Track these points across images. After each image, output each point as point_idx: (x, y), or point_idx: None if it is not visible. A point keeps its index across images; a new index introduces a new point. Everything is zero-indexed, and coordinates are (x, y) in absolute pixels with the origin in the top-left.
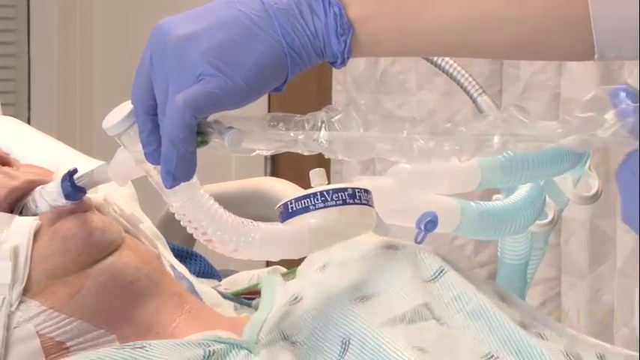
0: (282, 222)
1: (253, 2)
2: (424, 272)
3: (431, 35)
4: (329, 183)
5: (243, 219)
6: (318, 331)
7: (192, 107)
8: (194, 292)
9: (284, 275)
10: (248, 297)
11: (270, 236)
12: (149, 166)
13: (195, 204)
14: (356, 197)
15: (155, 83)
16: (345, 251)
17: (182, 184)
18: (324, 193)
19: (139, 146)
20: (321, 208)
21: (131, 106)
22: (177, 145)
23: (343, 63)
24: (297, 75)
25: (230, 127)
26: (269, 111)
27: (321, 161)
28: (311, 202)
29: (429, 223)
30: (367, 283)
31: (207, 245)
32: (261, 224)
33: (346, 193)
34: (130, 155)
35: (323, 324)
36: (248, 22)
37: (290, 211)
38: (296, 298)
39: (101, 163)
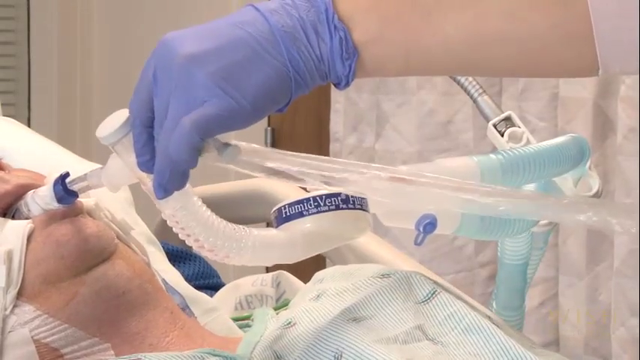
0: (277, 227)
1: (260, 24)
2: (417, 294)
3: (435, 56)
4: None
5: (235, 225)
6: (310, 348)
7: (200, 129)
8: (186, 307)
9: (276, 309)
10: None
11: (263, 242)
12: (142, 174)
13: (188, 211)
14: (349, 202)
15: (156, 98)
16: (338, 282)
17: (177, 192)
18: (317, 198)
19: (134, 155)
20: (315, 213)
21: (125, 116)
22: (181, 164)
23: (347, 85)
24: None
25: (227, 144)
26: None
27: None
28: (304, 207)
29: (428, 225)
30: (360, 307)
31: (200, 252)
32: (254, 230)
33: (339, 198)
34: (124, 163)
35: (315, 342)
36: (255, 44)
37: (284, 216)
38: (289, 322)
39: (95, 166)
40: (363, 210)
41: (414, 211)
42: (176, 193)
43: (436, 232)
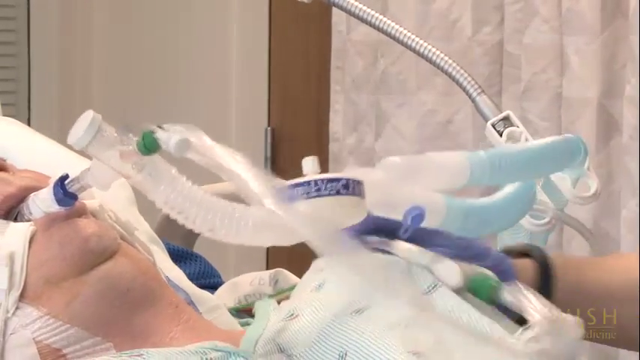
0: None
1: None
2: (418, 285)
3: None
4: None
5: (234, 204)
6: (315, 345)
7: None
8: (190, 302)
9: (276, 296)
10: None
11: (263, 222)
12: (126, 169)
13: (180, 194)
14: (349, 188)
15: None
16: (339, 271)
17: (164, 179)
18: (319, 182)
19: (108, 153)
20: (315, 197)
21: (90, 117)
22: None
23: None
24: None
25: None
26: (269, 112)
27: (323, 167)
28: (305, 190)
29: (417, 217)
30: (362, 297)
31: (200, 232)
32: (254, 210)
33: (340, 183)
34: (103, 162)
35: (319, 338)
36: None
37: None
38: (292, 314)
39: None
40: (361, 197)
41: (403, 203)
42: (165, 180)
43: (422, 225)
